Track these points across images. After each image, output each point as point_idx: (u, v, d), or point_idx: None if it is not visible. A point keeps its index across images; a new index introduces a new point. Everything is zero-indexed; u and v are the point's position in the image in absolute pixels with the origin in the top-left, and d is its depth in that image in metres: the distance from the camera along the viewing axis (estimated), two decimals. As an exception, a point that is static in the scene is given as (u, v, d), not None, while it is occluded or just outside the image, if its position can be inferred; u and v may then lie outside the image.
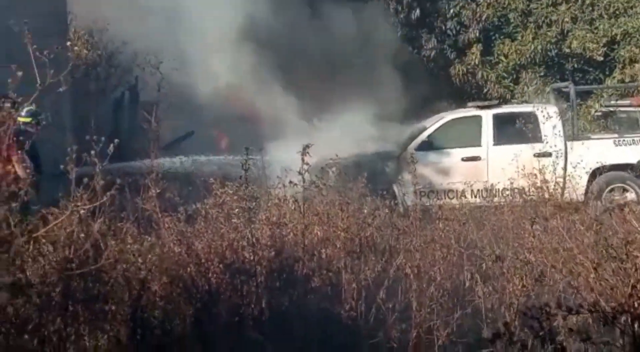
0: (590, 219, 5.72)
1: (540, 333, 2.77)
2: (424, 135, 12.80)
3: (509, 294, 5.12)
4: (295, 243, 5.53)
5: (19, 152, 8.48)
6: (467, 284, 5.43)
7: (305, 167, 5.77)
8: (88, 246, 4.87)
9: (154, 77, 9.21)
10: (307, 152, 5.43)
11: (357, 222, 5.67)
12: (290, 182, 6.06)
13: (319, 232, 5.48)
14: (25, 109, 9.15)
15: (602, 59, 17.12)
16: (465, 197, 12.33)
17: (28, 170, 9.06)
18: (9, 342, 4.84)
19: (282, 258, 5.40)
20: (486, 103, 13.55)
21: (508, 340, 2.81)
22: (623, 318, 2.89)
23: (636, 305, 2.89)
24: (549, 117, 12.58)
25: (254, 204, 5.34)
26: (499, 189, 12.26)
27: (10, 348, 4.84)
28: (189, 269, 5.80)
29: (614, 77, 16.64)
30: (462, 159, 12.56)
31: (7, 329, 4.81)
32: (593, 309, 2.74)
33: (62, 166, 11.55)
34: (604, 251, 3.72)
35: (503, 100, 15.90)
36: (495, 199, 11.46)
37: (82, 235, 4.59)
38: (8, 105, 5.56)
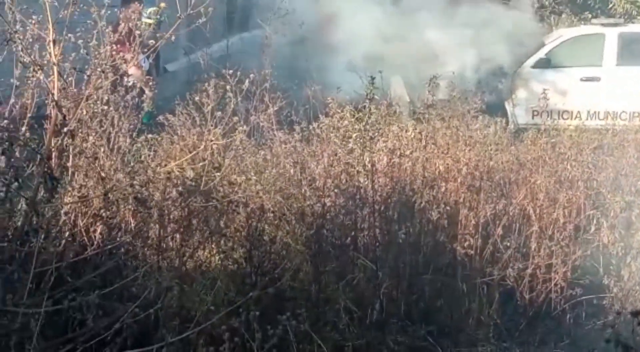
0: None
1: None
2: (541, 53, 12.28)
3: (637, 243, 4.94)
4: (412, 174, 5.41)
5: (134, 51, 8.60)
6: (592, 229, 5.25)
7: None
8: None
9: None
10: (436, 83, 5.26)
11: (478, 156, 5.49)
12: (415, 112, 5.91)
13: (440, 166, 5.35)
14: (148, 10, 9.20)
15: None
16: (581, 118, 11.90)
17: (141, 71, 9.19)
18: (127, 254, 4.98)
19: (400, 187, 5.31)
20: (611, 21, 12.83)
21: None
22: None
23: None
24: (678, 39, 11.85)
25: (374, 132, 5.22)
26: (617, 112, 11.81)
27: (129, 259, 4.98)
28: (303, 190, 5.78)
29: None
30: (581, 79, 12.03)
31: (130, 242, 4.93)
32: None
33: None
34: None
35: (628, 17, 15.02)
36: (614, 123, 11.02)
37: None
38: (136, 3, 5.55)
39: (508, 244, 5.30)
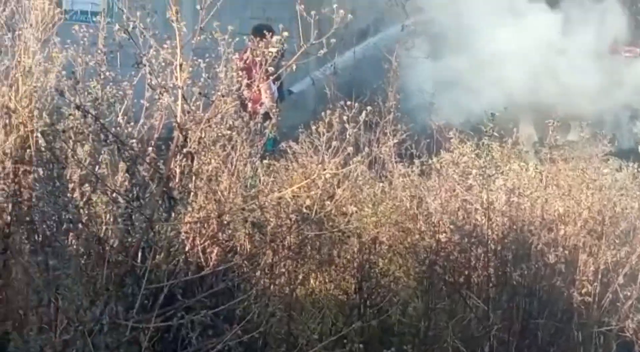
0: None
1: None
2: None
3: None
4: (531, 214, 5.29)
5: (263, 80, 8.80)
6: None
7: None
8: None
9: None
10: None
11: (602, 200, 5.31)
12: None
13: (559, 208, 5.21)
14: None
15: None
16: None
17: (273, 98, 9.40)
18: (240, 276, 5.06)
19: (517, 228, 5.20)
20: None
21: None
22: None
23: None
24: None
25: (493, 171, 5.14)
26: None
27: (243, 281, 5.06)
28: (418, 224, 5.75)
29: None
30: None
31: (241, 265, 5.02)
32: None
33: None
34: None
35: None
36: None
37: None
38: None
39: (629, 293, 5.09)
